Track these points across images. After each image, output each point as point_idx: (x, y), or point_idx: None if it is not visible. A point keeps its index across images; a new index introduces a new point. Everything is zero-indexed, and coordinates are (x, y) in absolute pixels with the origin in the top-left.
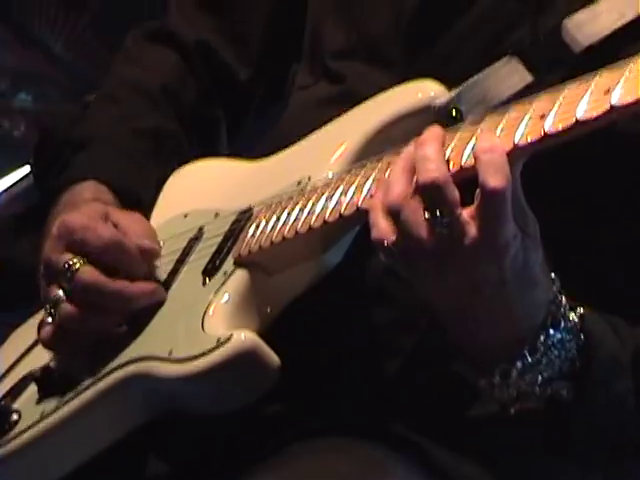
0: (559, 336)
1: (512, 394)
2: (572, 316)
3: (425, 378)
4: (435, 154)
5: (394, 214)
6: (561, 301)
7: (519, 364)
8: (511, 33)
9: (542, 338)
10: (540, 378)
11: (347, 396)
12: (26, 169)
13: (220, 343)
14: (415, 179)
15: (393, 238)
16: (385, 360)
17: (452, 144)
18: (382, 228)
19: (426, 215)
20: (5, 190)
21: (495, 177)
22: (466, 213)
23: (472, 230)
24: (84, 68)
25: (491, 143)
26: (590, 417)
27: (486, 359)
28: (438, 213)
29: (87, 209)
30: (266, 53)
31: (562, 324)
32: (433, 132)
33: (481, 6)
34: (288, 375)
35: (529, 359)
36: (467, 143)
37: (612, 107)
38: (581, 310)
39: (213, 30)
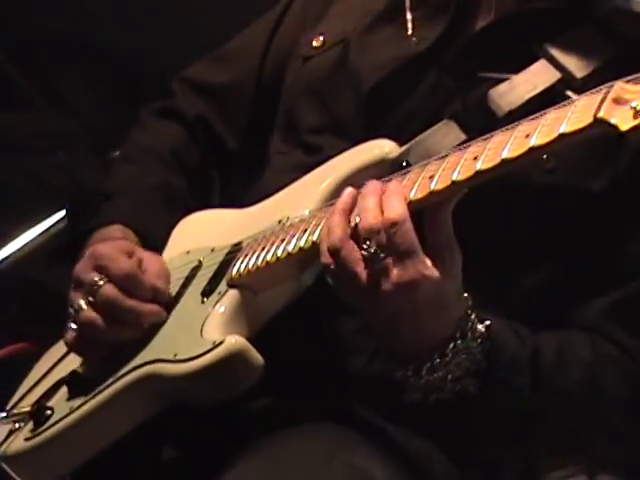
0: (465, 344)
1: (422, 386)
2: (479, 327)
3: (380, 370)
4: (373, 205)
5: (335, 252)
6: (470, 316)
7: (428, 364)
8: (448, 105)
9: (451, 346)
10: (450, 376)
11: (320, 388)
12: (61, 213)
13: (215, 345)
14: (354, 225)
15: (334, 269)
16: (350, 358)
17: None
18: (326, 260)
19: (362, 254)
20: (44, 231)
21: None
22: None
23: (392, 270)
24: (108, 129)
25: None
26: (493, 407)
27: (404, 358)
28: (372, 251)
29: (116, 243)
30: (250, 127)
31: (469, 334)
32: (372, 186)
33: (424, 86)
34: (271, 372)
35: (438, 360)
36: (409, 190)
37: (531, 148)
38: (487, 322)
39: (208, 109)
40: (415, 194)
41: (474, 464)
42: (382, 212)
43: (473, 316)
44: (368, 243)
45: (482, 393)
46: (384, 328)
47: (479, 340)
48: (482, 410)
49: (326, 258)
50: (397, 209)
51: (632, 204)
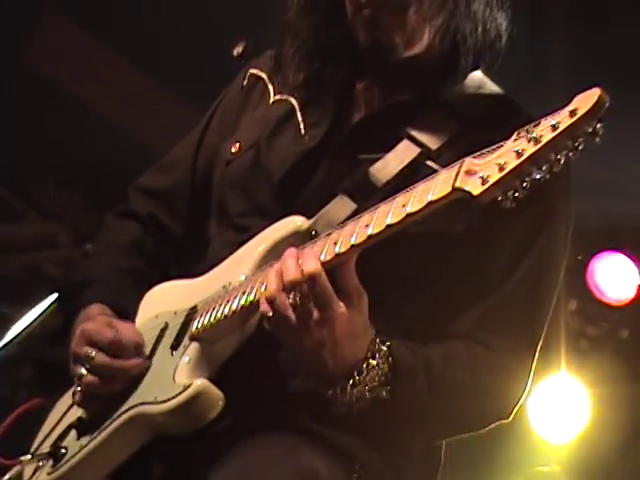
0: (375, 362)
1: (351, 399)
2: (383, 347)
3: (309, 388)
4: (293, 265)
5: (271, 301)
6: (376, 340)
7: (351, 381)
8: (340, 184)
9: (365, 365)
10: (367, 387)
11: (268, 407)
12: (53, 296)
13: (185, 388)
14: (282, 280)
15: (270, 315)
16: (289, 381)
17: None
18: (265, 309)
19: (290, 302)
20: (40, 315)
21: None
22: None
23: (314, 312)
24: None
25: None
26: (400, 406)
27: (331, 380)
28: (297, 299)
29: (97, 320)
30: (190, 217)
31: (377, 354)
32: (290, 252)
33: (320, 172)
34: (230, 398)
35: (357, 378)
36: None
37: (408, 214)
38: (388, 343)
39: (156, 207)
40: (325, 257)
41: (391, 448)
42: (301, 270)
43: (378, 340)
44: (293, 293)
45: (391, 397)
46: (313, 358)
47: (384, 358)
48: (393, 409)
49: (264, 307)
50: (312, 265)
51: (483, 240)
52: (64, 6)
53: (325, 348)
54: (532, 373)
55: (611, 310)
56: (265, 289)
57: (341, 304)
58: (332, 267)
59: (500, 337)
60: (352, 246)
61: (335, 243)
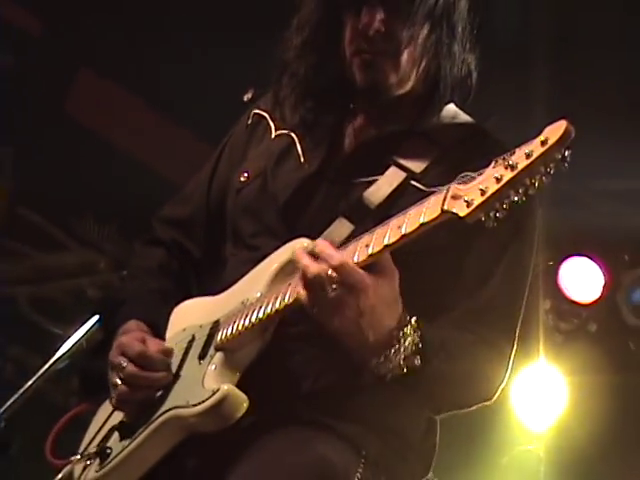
0: (408, 331)
1: (390, 367)
2: (413, 321)
3: (319, 387)
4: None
5: (310, 283)
6: (405, 313)
7: (393, 349)
8: (338, 206)
9: (400, 334)
10: (403, 355)
11: (285, 405)
12: (96, 316)
13: (214, 392)
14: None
15: (310, 296)
16: (302, 382)
17: None
18: (303, 294)
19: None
20: (85, 333)
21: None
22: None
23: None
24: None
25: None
26: (425, 378)
27: (375, 348)
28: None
29: (133, 334)
30: (208, 241)
31: (408, 325)
32: (322, 243)
33: (319, 195)
34: (252, 399)
35: (396, 346)
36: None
37: (403, 235)
38: (414, 319)
39: (178, 234)
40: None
41: (392, 435)
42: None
43: (406, 315)
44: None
45: (422, 366)
46: (355, 331)
47: (414, 328)
48: (422, 379)
49: (302, 292)
50: (338, 256)
51: (464, 250)
52: (97, 61)
53: (363, 318)
54: (512, 361)
55: (580, 308)
56: (302, 275)
57: (374, 277)
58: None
59: (483, 331)
60: (355, 264)
61: (342, 253)
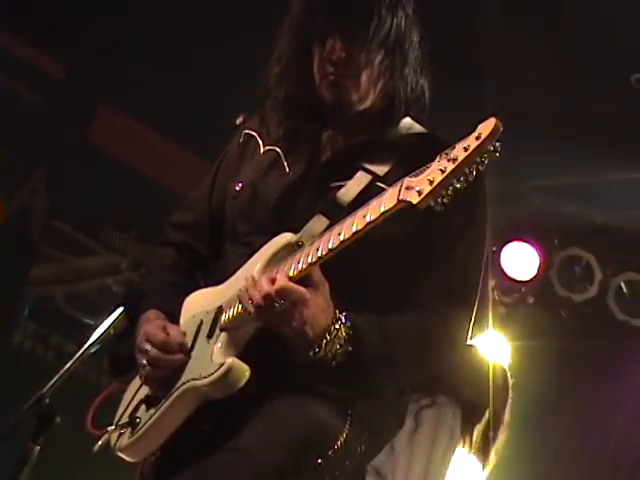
0: (337, 325)
1: (329, 354)
2: (341, 316)
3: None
4: (266, 283)
5: (259, 307)
6: (336, 312)
7: (324, 341)
8: (317, 205)
9: (332, 328)
10: (338, 346)
11: (282, 375)
12: (120, 308)
13: (221, 365)
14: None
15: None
16: (293, 355)
17: (290, 263)
18: (254, 312)
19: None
20: (112, 322)
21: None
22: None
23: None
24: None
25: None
26: (364, 357)
27: (311, 343)
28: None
29: (155, 323)
30: (211, 240)
31: (339, 321)
32: (265, 278)
33: (302, 198)
34: (253, 370)
35: (328, 337)
36: (298, 261)
37: (367, 222)
38: (345, 313)
39: (186, 236)
40: (311, 259)
41: (371, 396)
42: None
43: (337, 311)
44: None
45: (356, 350)
46: (299, 334)
47: (343, 322)
48: (362, 360)
49: (255, 311)
50: (281, 281)
51: (427, 237)
52: (115, 97)
53: (306, 325)
54: (470, 330)
55: (520, 284)
56: (251, 302)
57: (310, 291)
58: (308, 269)
59: (444, 306)
60: (329, 250)
61: (317, 249)
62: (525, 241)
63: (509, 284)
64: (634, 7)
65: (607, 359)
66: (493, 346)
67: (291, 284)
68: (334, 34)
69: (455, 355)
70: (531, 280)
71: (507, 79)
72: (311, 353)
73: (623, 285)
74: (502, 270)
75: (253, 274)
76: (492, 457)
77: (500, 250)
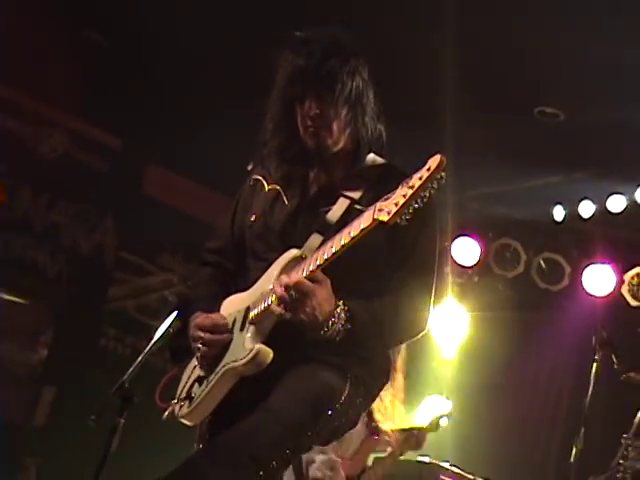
0: (339, 310)
1: (334, 333)
2: (340, 303)
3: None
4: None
5: (281, 298)
6: (337, 301)
7: (330, 322)
8: (312, 226)
9: (335, 313)
10: (340, 325)
11: (297, 352)
12: (175, 313)
13: (250, 350)
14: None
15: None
16: (305, 336)
17: (299, 269)
18: (275, 307)
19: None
20: (170, 324)
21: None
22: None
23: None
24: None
25: (292, 277)
26: (361, 331)
27: (321, 325)
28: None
29: (202, 317)
30: (237, 259)
31: (339, 307)
32: (284, 277)
33: (300, 222)
34: (275, 352)
35: (333, 320)
36: (304, 268)
37: (352, 237)
38: (342, 301)
39: (217, 257)
40: (312, 267)
41: (366, 362)
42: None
43: (340, 302)
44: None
45: (353, 327)
46: (312, 319)
47: (343, 308)
48: (358, 335)
49: (275, 307)
50: (295, 277)
51: (394, 242)
52: (158, 158)
53: (316, 310)
54: (432, 306)
55: (467, 268)
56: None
57: (316, 286)
58: (313, 272)
59: (411, 290)
60: (325, 259)
61: (316, 260)
62: (468, 236)
63: (459, 269)
64: (538, 49)
65: (534, 318)
66: (454, 315)
67: (304, 279)
68: (309, 97)
69: (422, 324)
70: (475, 264)
71: (448, 117)
72: (321, 332)
73: (542, 262)
74: (453, 259)
75: (274, 278)
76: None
77: (451, 245)
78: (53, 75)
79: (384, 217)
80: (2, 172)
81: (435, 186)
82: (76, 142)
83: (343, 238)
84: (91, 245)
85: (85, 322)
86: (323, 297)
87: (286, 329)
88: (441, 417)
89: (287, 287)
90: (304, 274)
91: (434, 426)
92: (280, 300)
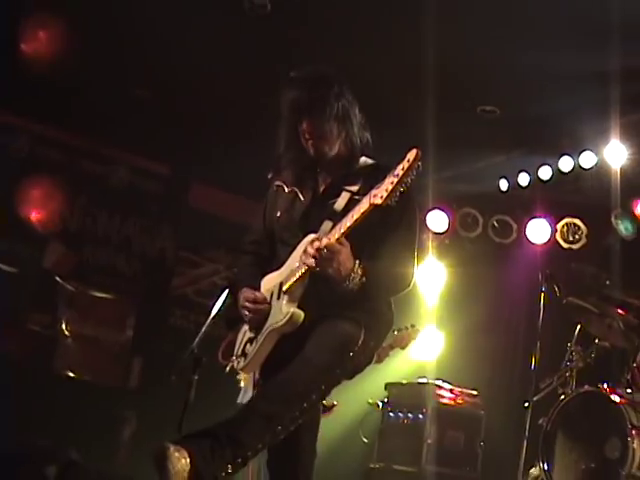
0: (357, 267)
1: (353, 285)
2: (357, 261)
3: (337, 299)
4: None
5: (314, 257)
6: (355, 259)
7: (352, 275)
8: (323, 216)
9: (354, 268)
10: (358, 278)
11: (322, 310)
12: (226, 292)
13: (287, 313)
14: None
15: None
16: (328, 297)
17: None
18: (310, 262)
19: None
20: (223, 300)
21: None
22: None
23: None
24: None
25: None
26: (372, 285)
27: (345, 278)
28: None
29: (247, 291)
30: (270, 247)
31: (356, 264)
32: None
33: (313, 213)
34: (306, 312)
35: (353, 275)
36: (328, 238)
37: (355, 219)
38: (358, 261)
39: (255, 247)
40: (334, 238)
41: (374, 313)
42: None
43: (357, 262)
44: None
45: (367, 281)
46: (338, 274)
47: (359, 265)
48: (367, 288)
49: (310, 261)
50: (326, 242)
51: (385, 219)
52: (201, 175)
53: (341, 266)
54: (416, 265)
55: (440, 234)
56: (307, 255)
57: (342, 247)
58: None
59: (399, 256)
60: (342, 232)
61: (337, 230)
62: (439, 209)
63: (434, 235)
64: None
65: (494, 265)
66: (434, 270)
67: (333, 242)
68: (306, 119)
69: (410, 278)
70: (446, 231)
71: (412, 117)
72: (345, 284)
73: (495, 223)
74: (428, 227)
75: (299, 256)
76: None
77: (425, 217)
78: (116, 126)
79: (378, 201)
80: (84, 202)
81: (414, 173)
82: (136, 173)
83: (347, 221)
84: (155, 249)
85: (157, 307)
86: (346, 256)
87: (312, 295)
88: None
89: (319, 249)
90: (331, 240)
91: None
92: (314, 258)
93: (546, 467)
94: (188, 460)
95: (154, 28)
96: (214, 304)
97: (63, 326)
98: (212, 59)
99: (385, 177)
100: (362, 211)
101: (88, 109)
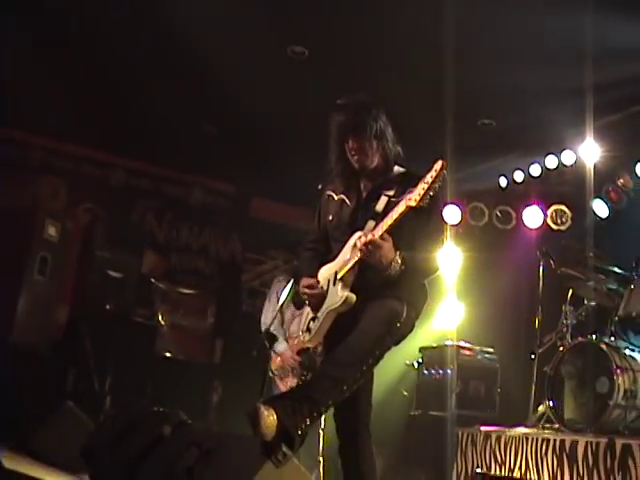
0: (397, 258)
1: (394, 272)
2: (398, 253)
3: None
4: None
5: (362, 250)
6: (395, 250)
7: (393, 264)
8: (367, 215)
9: (395, 258)
10: (398, 265)
11: (369, 293)
12: (291, 282)
13: (342, 296)
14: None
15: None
16: (374, 282)
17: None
18: (363, 254)
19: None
20: (290, 288)
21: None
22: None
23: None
24: (290, 260)
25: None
26: (410, 272)
27: (387, 266)
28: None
29: (306, 279)
30: (325, 243)
31: (397, 255)
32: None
33: (359, 216)
34: (358, 295)
35: (394, 264)
36: (373, 234)
37: (395, 219)
38: (399, 252)
39: (314, 245)
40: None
41: (414, 293)
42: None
43: (396, 251)
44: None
45: (406, 269)
46: (381, 263)
47: (399, 255)
48: (406, 275)
49: (362, 253)
50: (370, 237)
51: (417, 218)
52: (259, 192)
53: (383, 257)
54: (440, 251)
55: (455, 226)
56: (356, 249)
57: (383, 242)
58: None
59: (425, 246)
60: (384, 230)
61: (379, 229)
62: (453, 204)
63: (450, 226)
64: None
65: (500, 246)
66: (453, 255)
67: (376, 237)
68: (351, 138)
69: (437, 265)
70: (459, 222)
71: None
72: (387, 271)
73: (498, 213)
74: (445, 220)
75: (349, 249)
76: None
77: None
78: (191, 157)
79: (413, 203)
80: (170, 218)
81: (441, 180)
82: (208, 193)
83: (388, 220)
84: (227, 252)
85: (231, 298)
86: (388, 248)
87: (361, 281)
88: None
89: (366, 243)
90: (375, 236)
91: None
92: (361, 251)
93: (551, 404)
94: (275, 416)
95: (220, 75)
96: (280, 292)
97: (159, 317)
98: (264, 99)
99: (417, 183)
100: (400, 212)
101: (169, 144)
